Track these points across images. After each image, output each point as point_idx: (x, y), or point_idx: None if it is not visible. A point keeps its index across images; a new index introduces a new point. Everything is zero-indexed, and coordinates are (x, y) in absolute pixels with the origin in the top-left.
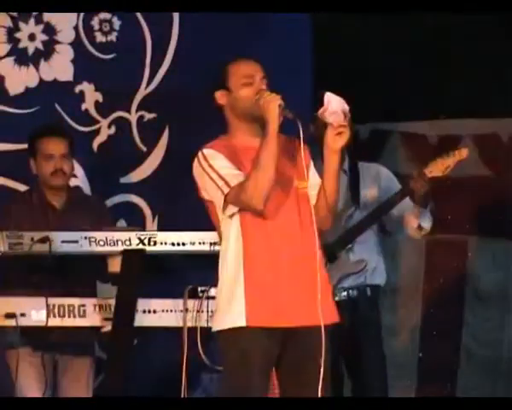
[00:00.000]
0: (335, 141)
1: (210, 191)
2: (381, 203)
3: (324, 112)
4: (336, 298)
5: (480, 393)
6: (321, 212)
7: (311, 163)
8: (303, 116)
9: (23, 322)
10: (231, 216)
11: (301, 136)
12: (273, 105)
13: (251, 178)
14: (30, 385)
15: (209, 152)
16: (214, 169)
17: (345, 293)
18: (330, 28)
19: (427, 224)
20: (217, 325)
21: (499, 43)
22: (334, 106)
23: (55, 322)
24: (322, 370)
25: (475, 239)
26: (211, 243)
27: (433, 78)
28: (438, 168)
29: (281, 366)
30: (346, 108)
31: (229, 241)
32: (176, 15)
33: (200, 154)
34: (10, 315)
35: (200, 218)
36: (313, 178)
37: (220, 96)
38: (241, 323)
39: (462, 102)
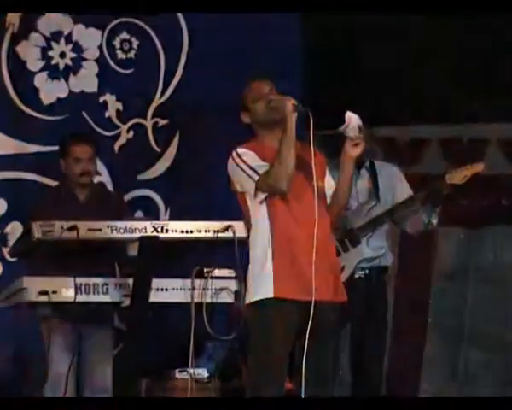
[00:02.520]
0: (353, 150)
1: (243, 182)
2: (403, 200)
3: (346, 128)
4: (356, 276)
5: (444, 355)
6: (334, 210)
7: (327, 169)
8: None
9: (54, 298)
10: (261, 202)
11: (311, 123)
12: (287, 104)
13: (275, 165)
14: (60, 352)
15: (241, 150)
16: (246, 163)
17: (362, 272)
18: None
19: (435, 220)
20: (248, 298)
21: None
22: (352, 124)
23: (81, 298)
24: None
25: (441, 227)
26: (214, 231)
27: (406, 88)
28: (457, 177)
29: (300, 336)
30: (361, 123)
31: (259, 225)
32: (185, 36)
33: (233, 153)
34: (43, 292)
35: (206, 209)
36: (329, 181)
37: (244, 117)
38: (270, 294)
39: (431, 109)
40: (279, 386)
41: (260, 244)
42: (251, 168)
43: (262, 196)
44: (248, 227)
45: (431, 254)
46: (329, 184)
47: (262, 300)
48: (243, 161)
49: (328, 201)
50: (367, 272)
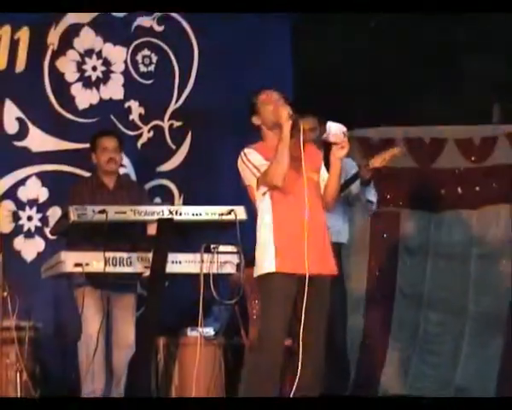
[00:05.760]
0: (339, 152)
1: (248, 178)
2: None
3: (327, 136)
4: None
5: (408, 317)
6: (326, 199)
7: (322, 163)
8: None
9: (87, 269)
10: (263, 194)
11: (301, 132)
12: (284, 113)
13: (272, 165)
14: (91, 314)
15: (247, 151)
16: (251, 162)
17: None
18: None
19: (373, 198)
20: (256, 272)
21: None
22: (333, 131)
23: (109, 269)
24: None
25: (406, 211)
26: (219, 214)
27: (377, 93)
28: (377, 161)
29: (297, 306)
30: (344, 129)
31: (263, 213)
32: (196, 54)
33: (242, 153)
34: (78, 264)
35: (213, 196)
36: (324, 173)
37: (255, 119)
38: (272, 269)
39: (397, 112)
40: (280, 343)
41: (264, 229)
42: (255, 167)
43: (264, 189)
44: (256, 214)
45: (397, 233)
46: (324, 175)
47: (266, 274)
48: (249, 160)
49: (322, 190)
50: None
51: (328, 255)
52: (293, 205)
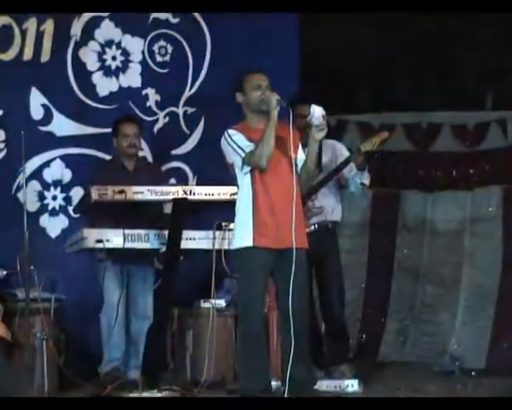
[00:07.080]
0: (318, 134)
1: (232, 157)
2: (333, 168)
3: (312, 118)
4: (307, 230)
5: (406, 290)
6: (302, 178)
7: (300, 145)
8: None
9: (108, 245)
10: (246, 173)
11: (291, 117)
12: (273, 99)
13: (258, 146)
14: (112, 286)
15: (231, 131)
16: (235, 142)
17: (313, 227)
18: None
19: (366, 181)
20: (234, 245)
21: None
22: (316, 114)
23: (128, 245)
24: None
25: (404, 192)
26: (230, 194)
27: (378, 81)
28: (368, 145)
29: (276, 278)
30: (324, 113)
31: (244, 190)
32: (208, 44)
33: (225, 133)
34: (99, 241)
35: (224, 177)
36: (301, 154)
37: (239, 96)
38: (250, 243)
39: (396, 99)
40: (260, 314)
41: (244, 205)
42: (239, 147)
43: (247, 169)
44: (237, 189)
45: (396, 212)
46: (301, 156)
47: (244, 247)
48: (233, 141)
49: (299, 170)
50: (317, 226)
51: (302, 230)
52: (273, 183)
